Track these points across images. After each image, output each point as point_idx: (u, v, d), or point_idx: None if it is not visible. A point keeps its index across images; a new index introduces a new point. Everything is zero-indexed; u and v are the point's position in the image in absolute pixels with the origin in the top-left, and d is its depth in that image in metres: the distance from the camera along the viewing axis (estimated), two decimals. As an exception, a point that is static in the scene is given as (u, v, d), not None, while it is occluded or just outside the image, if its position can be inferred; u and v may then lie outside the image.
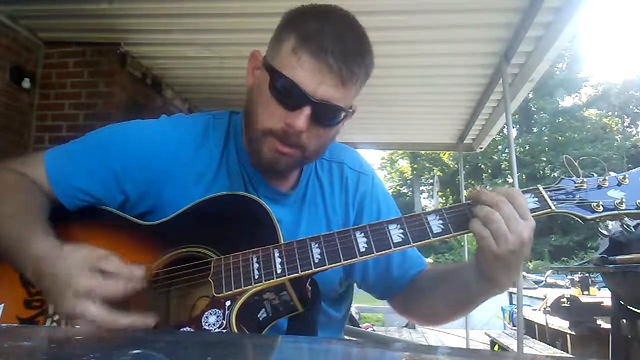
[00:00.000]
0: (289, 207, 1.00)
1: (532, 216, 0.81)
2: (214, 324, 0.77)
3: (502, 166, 25.87)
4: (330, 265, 0.79)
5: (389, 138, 6.28)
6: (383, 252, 0.80)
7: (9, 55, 3.46)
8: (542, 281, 9.97)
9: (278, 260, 0.80)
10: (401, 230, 0.81)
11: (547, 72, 4.04)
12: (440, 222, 0.82)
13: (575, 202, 0.84)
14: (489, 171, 26.96)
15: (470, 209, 0.81)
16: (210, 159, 0.98)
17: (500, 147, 24.65)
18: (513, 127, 4.30)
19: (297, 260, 0.79)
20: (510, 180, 3.76)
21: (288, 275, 0.79)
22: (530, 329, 6.10)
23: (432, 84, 4.25)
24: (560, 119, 26.64)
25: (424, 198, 29.30)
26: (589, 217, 0.83)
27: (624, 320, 3.79)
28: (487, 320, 8.16)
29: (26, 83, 3.58)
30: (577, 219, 0.84)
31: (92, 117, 3.65)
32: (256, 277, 0.79)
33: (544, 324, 5.69)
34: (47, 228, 0.84)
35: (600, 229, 0.83)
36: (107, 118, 3.56)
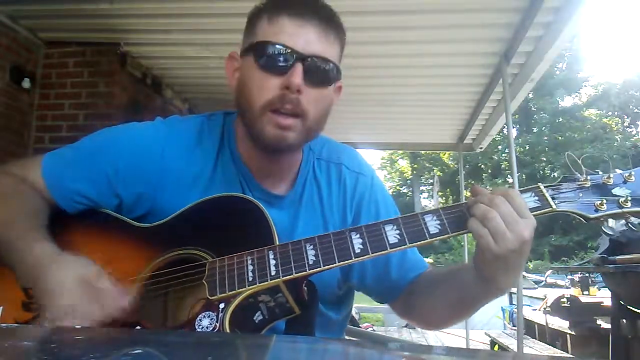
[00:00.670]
0: (285, 209, 0.99)
1: (533, 215, 0.79)
2: (207, 327, 0.76)
3: (502, 166, 25.87)
4: (325, 267, 0.78)
5: (389, 138, 6.27)
6: (379, 253, 0.79)
7: (9, 55, 3.45)
8: (542, 281, 9.97)
9: (272, 262, 0.79)
10: (397, 231, 0.80)
11: (547, 72, 4.04)
12: (438, 222, 0.80)
13: (577, 200, 0.81)
14: (489, 171, 26.96)
15: (467, 208, 0.80)
16: (206, 161, 0.97)
17: (500, 147, 24.64)
18: (513, 127, 4.31)
19: (292, 262, 0.78)
20: (510, 180, 3.75)
21: (282, 277, 0.78)
22: (530, 329, 6.10)
23: (432, 84, 4.25)
24: (560, 119, 26.64)
25: (424, 198, 29.31)
26: (591, 216, 0.80)
27: (624, 320, 3.79)
28: (487, 320, 8.15)
29: (26, 83, 3.57)
30: (579, 218, 0.82)
31: (92, 117, 3.64)
32: (250, 279, 0.78)
33: (544, 324, 5.70)
34: (43, 234, 0.85)
35: (603, 228, 0.82)
36: (107, 118, 3.56)
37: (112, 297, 0.76)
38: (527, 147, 25.97)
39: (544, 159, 25.34)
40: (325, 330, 1.01)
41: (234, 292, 0.78)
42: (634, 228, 0.83)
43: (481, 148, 5.83)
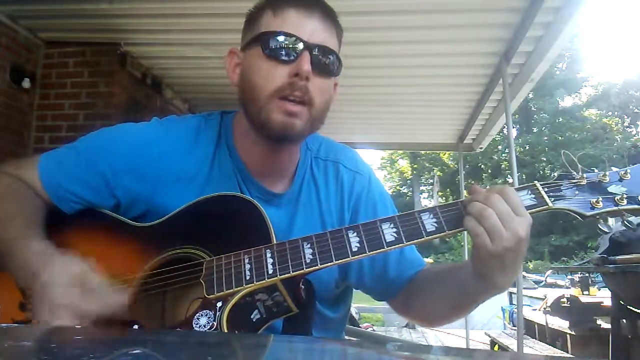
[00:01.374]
0: (282, 208, 0.99)
1: (529, 213, 0.79)
2: (204, 325, 0.76)
3: (502, 166, 25.86)
4: (323, 266, 0.78)
5: (389, 138, 6.27)
6: (376, 251, 0.79)
7: (9, 55, 3.45)
8: (542, 281, 9.97)
9: (270, 260, 0.79)
10: (394, 229, 0.80)
11: (547, 72, 4.04)
12: (434, 220, 0.80)
13: (573, 198, 0.81)
14: (489, 171, 26.96)
15: (464, 206, 0.80)
16: (202, 161, 0.97)
17: (500, 147, 24.65)
18: (513, 127, 4.30)
19: (289, 261, 0.78)
20: (510, 180, 3.76)
21: (279, 275, 0.78)
22: (530, 329, 6.09)
23: (432, 84, 4.25)
24: (560, 119, 26.63)
25: (424, 198, 29.30)
26: (587, 213, 0.80)
27: (624, 320, 3.79)
28: (487, 320, 8.15)
29: (26, 83, 3.57)
30: (575, 215, 0.82)
31: (92, 117, 3.64)
32: (247, 277, 0.78)
33: (544, 324, 5.69)
34: (39, 233, 0.85)
35: (600, 226, 0.82)
36: (107, 118, 3.56)
37: (108, 294, 0.76)
38: (527, 147, 25.96)
39: (544, 159, 25.33)
40: (323, 329, 1.02)
41: (231, 290, 0.78)
42: (630, 226, 0.83)
43: (481, 148, 5.83)
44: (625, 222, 0.82)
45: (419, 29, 3.21)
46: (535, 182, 0.84)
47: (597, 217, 0.81)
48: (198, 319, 0.77)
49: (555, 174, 0.87)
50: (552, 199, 0.82)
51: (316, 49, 0.88)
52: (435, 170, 27.58)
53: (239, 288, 0.78)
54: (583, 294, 6.46)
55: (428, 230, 0.80)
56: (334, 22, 0.94)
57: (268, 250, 0.80)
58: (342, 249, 0.79)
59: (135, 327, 0.79)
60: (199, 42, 3.54)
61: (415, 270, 1.03)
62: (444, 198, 25.81)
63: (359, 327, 7.46)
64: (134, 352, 0.49)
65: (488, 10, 3.01)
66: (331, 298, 1.05)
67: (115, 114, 3.63)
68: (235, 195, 0.90)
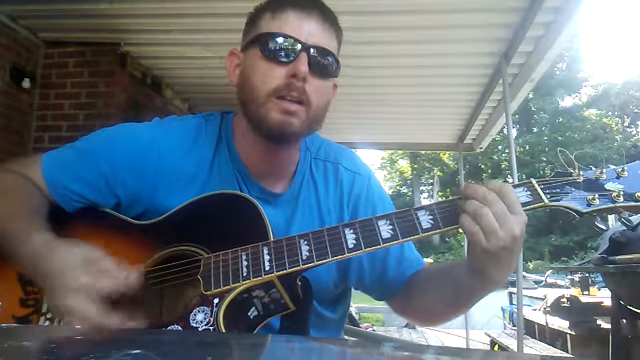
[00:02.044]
0: (281, 208, 0.99)
1: (525, 210, 0.79)
2: (201, 321, 0.77)
3: (502, 166, 25.86)
4: (319, 262, 0.79)
5: (389, 138, 6.27)
6: (372, 248, 0.79)
7: (9, 55, 3.46)
8: (542, 281, 9.96)
9: (267, 257, 0.80)
10: (390, 226, 0.80)
11: (547, 72, 4.04)
12: (430, 217, 0.81)
13: (570, 195, 0.81)
14: (489, 171, 26.95)
15: (460, 204, 0.80)
16: (202, 161, 0.98)
17: (500, 147, 24.65)
18: (513, 127, 4.31)
19: (286, 257, 0.79)
20: (510, 180, 3.77)
21: (276, 272, 0.78)
22: (530, 329, 6.09)
23: (432, 84, 4.25)
24: (560, 119, 26.63)
25: (424, 198, 29.28)
26: (584, 210, 0.80)
27: (624, 320, 3.79)
28: (487, 320, 8.15)
29: (26, 83, 3.57)
30: (572, 212, 0.82)
31: (92, 117, 3.65)
32: (244, 274, 0.79)
33: (544, 324, 5.69)
34: (45, 225, 0.86)
35: (597, 223, 0.82)
36: (107, 118, 3.56)
37: (120, 272, 0.77)
38: (527, 147, 25.96)
39: (544, 159, 25.33)
40: (321, 329, 1.02)
41: (228, 287, 0.78)
42: (627, 223, 0.83)
43: (481, 148, 5.83)
44: (623, 219, 0.82)
45: (419, 29, 3.21)
46: (532, 179, 0.84)
47: (594, 214, 0.81)
48: (195, 315, 0.78)
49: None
50: (548, 196, 0.82)
51: (314, 50, 0.89)
52: (435, 170, 27.57)
53: (235, 284, 0.78)
54: (583, 294, 6.45)
55: (424, 227, 0.80)
56: (333, 23, 0.95)
57: (265, 247, 0.81)
58: (338, 245, 0.80)
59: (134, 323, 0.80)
60: (199, 42, 3.54)
61: (414, 270, 1.03)
62: (444, 198, 25.62)
63: (359, 327, 7.46)
64: (134, 352, 0.49)
65: (488, 10, 3.01)
66: (330, 298, 1.05)
67: (115, 114, 3.64)
68: (233, 194, 0.91)
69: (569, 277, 8.05)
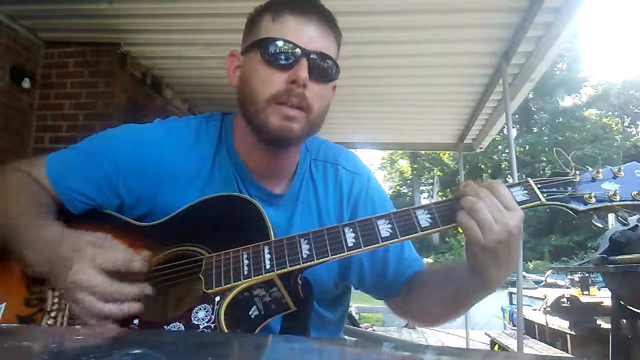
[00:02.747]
0: (281, 208, 1.00)
1: (522, 208, 0.80)
2: (203, 319, 0.78)
3: (502, 166, 25.88)
4: (319, 261, 0.79)
5: (389, 138, 6.27)
6: (371, 246, 0.80)
7: (9, 55, 3.46)
8: (542, 281, 9.97)
9: (267, 256, 0.80)
10: (389, 225, 0.81)
11: (547, 72, 4.04)
12: (429, 216, 0.82)
13: (566, 194, 0.83)
14: (489, 171, 26.96)
15: (457, 202, 0.82)
16: (203, 161, 0.99)
17: (500, 147, 24.66)
18: (513, 127, 4.31)
19: (286, 256, 0.80)
20: (510, 180, 3.77)
21: (277, 270, 0.79)
22: (530, 329, 6.10)
23: (432, 84, 4.25)
24: (560, 119, 26.66)
25: (424, 198, 29.26)
26: (580, 208, 0.82)
27: (624, 320, 3.79)
28: (487, 320, 8.16)
29: (26, 83, 3.57)
30: (568, 211, 0.83)
31: (92, 117, 3.64)
32: (245, 272, 0.80)
33: (544, 324, 5.70)
34: (53, 219, 0.88)
35: (594, 221, 0.82)
36: (107, 118, 3.56)
37: (125, 252, 0.79)
38: (527, 147, 25.98)
39: (544, 159, 25.33)
40: (321, 329, 1.02)
41: (229, 285, 0.79)
42: (624, 222, 0.84)
43: (481, 148, 5.83)
44: (620, 218, 0.83)
45: (419, 29, 3.21)
46: (528, 178, 0.85)
47: (591, 212, 0.82)
48: (197, 312, 0.78)
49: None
50: (545, 195, 0.83)
51: (314, 56, 0.89)
52: (435, 170, 27.58)
53: (237, 283, 0.79)
54: (583, 294, 6.46)
55: (422, 226, 0.81)
56: (333, 27, 0.95)
57: (266, 246, 0.82)
58: (338, 244, 0.80)
59: (136, 321, 0.80)
60: (199, 42, 3.54)
61: (414, 270, 1.04)
62: (444, 198, 25.73)
63: (359, 327, 7.46)
64: (134, 352, 0.49)
65: (488, 10, 3.01)
66: (329, 299, 1.05)
67: (115, 114, 3.64)
68: (236, 196, 0.92)
69: (569, 277, 8.06)
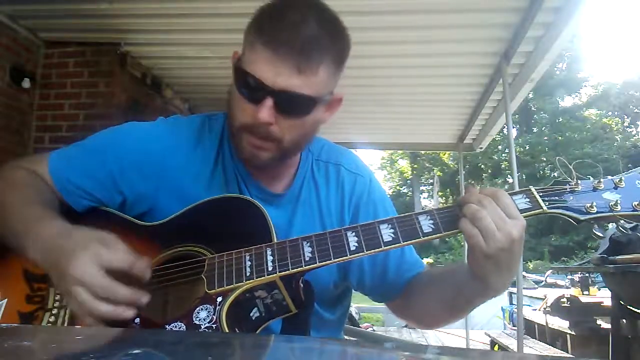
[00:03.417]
0: (281, 208, 1.00)
1: (524, 217, 0.81)
2: (204, 319, 0.78)
3: (502, 166, 25.86)
4: (321, 264, 0.80)
5: (389, 138, 6.28)
6: (373, 250, 0.81)
7: (9, 55, 3.46)
8: (542, 281, 9.97)
9: (270, 258, 0.81)
10: (392, 230, 0.82)
11: (547, 72, 4.04)
12: (431, 222, 0.82)
13: (568, 203, 0.84)
14: (489, 171, 26.96)
15: (460, 209, 0.82)
16: (206, 160, 0.99)
17: (500, 147, 24.64)
18: (513, 127, 4.31)
19: (289, 258, 0.80)
20: (510, 180, 3.77)
21: (279, 272, 0.79)
22: (530, 329, 6.10)
23: (432, 84, 4.25)
24: (560, 119, 26.63)
25: (424, 198, 29.30)
26: (581, 217, 0.83)
27: (624, 320, 3.79)
28: (487, 320, 8.16)
29: (26, 83, 3.58)
30: (569, 220, 0.84)
31: (92, 117, 3.65)
32: (248, 274, 0.80)
33: (544, 324, 5.70)
34: (57, 214, 0.88)
35: (594, 230, 0.83)
36: (107, 118, 3.56)
37: (129, 253, 0.78)
38: (527, 147, 25.95)
39: (544, 159, 25.32)
40: (321, 330, 1.02)
41: (231, 286, 0.80)
42: (624, 231, 0.85)
43: (481, 148, 5.83)
44: (620, 227, 0.85)
45: (419, 29, 3.22)
46: (530, 187, 0.86)
47: (592, 221, 0.84)
48: (198, 312, 0.79)
49: (556, 174, 0.88)
50: (547, 203, 0.84)
51: (282, 95, 0.83)
52: (435, 170, 27.58)
53: (239, 284, 0.79)
54: (583, 294, 6.46)
55: (425, 231, 0.82)
56: (317, 51, 0.84)
57: (268, 248, 0.82)
58: (340, 247, 0.81)
59: (137, 320, 0.80)
60: (199, 42, 3.55)
61: (414, 272, 1.03)
62: (444, 198, 25.83)
63: (359, 327, 7.46)
64: (134, 352, 0.49)
65: (488, 10, 3.01)
66: (329, 299, 1.05)
67: (115, 114, 3.64)
68: (238, 197, 0.92)
69: (569, 277, 8.06)
